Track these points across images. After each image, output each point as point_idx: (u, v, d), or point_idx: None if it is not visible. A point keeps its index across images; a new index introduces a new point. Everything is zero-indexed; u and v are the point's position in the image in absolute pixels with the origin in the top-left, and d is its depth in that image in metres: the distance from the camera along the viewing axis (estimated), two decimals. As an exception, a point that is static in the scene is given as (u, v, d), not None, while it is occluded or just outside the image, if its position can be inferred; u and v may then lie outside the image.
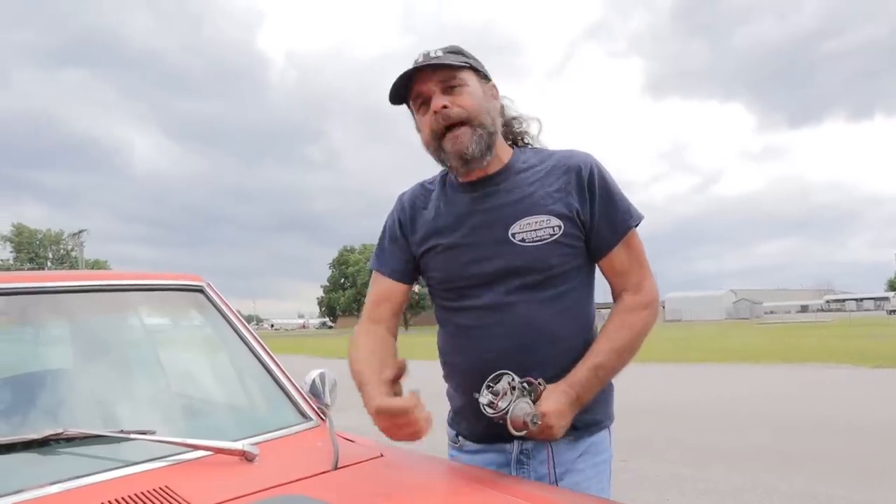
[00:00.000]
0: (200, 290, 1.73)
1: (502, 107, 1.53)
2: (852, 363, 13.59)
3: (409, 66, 1.44)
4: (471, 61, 1.43)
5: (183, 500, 1.03)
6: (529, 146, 1.58)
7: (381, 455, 1.34)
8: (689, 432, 6.82)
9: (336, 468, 1.22)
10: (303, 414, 1.54)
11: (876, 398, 8.79)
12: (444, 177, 1.55)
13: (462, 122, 1.38)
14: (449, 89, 1.38)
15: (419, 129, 1.47)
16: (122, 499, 1.02)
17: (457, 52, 1.44)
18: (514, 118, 1.58)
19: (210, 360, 1.80)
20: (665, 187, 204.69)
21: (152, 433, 1.21)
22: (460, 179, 1.48)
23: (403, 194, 1.62)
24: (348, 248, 78.39)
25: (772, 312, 76.10)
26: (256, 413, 1.62)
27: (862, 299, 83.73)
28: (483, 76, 1.46)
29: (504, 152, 1.49)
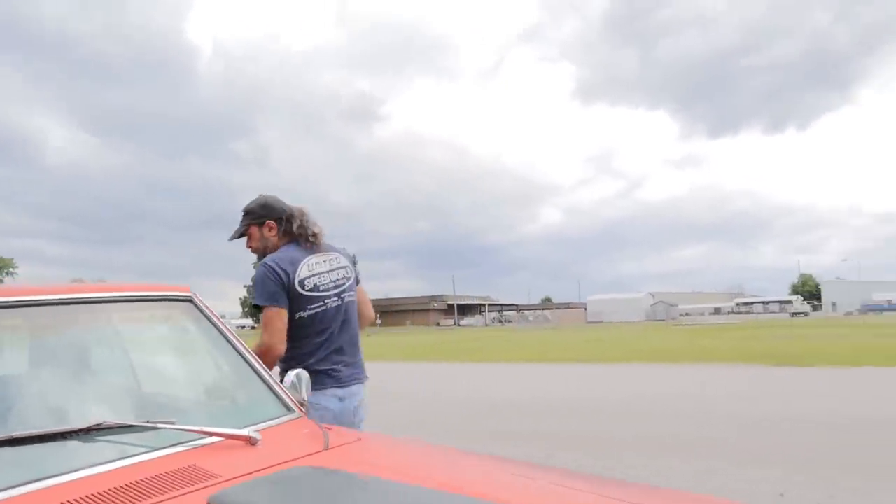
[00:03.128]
0: (190, 300, 1.92)
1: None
2: (758, 363, 14.56)
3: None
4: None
5: (213, 474, 1.25)
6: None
7: (360, 439, 1.61)
8: (597, 425, 7.32)
9: (328, 448, 1.48)
10: (287, 407, 1.78)
11: (772, 394, 9.60)
12: None
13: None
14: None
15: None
16: (162, 475, 1.24)
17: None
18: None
19: (205, 363, 1.99)
20: (592, 191, 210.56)
21: (173, 423, 1.42)
22: None
23: None
24: (274, 248, 76.87)
25: (687, 314, 79.29)
26: (249, 407, 1.83)
27: (768, 302, 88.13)
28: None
29: None
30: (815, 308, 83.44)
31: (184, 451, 1.39)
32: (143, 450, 1.36)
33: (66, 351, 1.76)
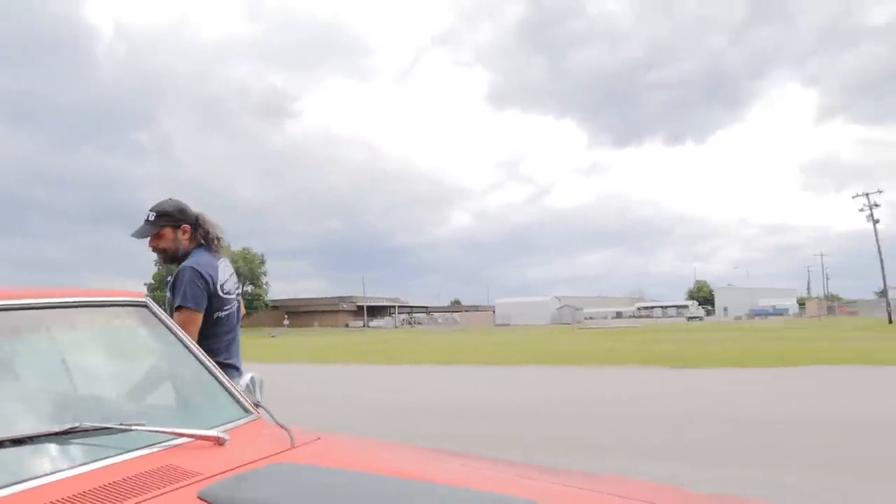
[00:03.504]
0: (145, 306, 1.96)
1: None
2: (658, 365, 15.22)
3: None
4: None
5: (192, 472, 1.32)
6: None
7: (320, 438, 1.69)
8: (506, 428, 7.47)
9: (294, 446, 1.56)
10: (245, 409, 1.84)
11: (671, 393, 10.12)
12: None
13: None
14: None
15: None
16: (144, 474, 1.29)
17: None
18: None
19: (164, 367, 2.04)
20: (502, 196, 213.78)
21: (143, 425, 1.47)
22: None
23: None
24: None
25: (591, 318, 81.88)
26: (209, 409, 1.87)
27: (667, 307, 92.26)
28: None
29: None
30: (708, 312, 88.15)
31: (158, 451, 1.45)
32: (119, 451, 1.41)
33: (24, 357, 1.78)
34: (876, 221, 49.55)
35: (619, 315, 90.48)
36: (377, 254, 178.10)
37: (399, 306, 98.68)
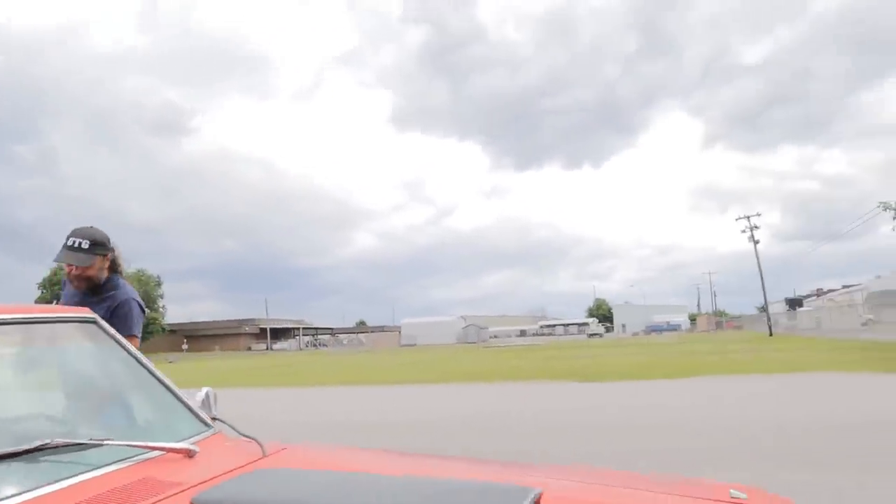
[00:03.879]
0: (94, 322, 1.94)
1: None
2: (562, 380, 15.61)
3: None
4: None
5: (172, 483, 1.33)
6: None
7: (286, 448, 1.71)
8: (413, 446, 7.42)
9: (265, 455, 1.59)
10: (203, 422, 1.85)
11: (577, 409, 10.40)
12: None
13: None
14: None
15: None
16: (126, 486, 1.29)
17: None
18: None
19: (120, 382, 2.00)
20: (404, 217, 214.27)
21: (112, 440, 1.46)
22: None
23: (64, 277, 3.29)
24: (63, 266, 69.66)
25: (496, 337, 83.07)
26: (169, 424, 1.87)
27: (568, 324, 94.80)
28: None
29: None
30: (608, 329, 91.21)
31: (132, 465, 1.44)
32: (92, 466, 1.40)
33: None
34: (756, 242, 53.13)
35: (522, 333, 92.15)
36: (280, 275, 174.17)
37: (303, 328, 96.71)
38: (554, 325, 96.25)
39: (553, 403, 11.18)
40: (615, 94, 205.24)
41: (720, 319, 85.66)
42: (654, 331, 79.01)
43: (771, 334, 47.52)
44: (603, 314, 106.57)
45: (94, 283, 3.13)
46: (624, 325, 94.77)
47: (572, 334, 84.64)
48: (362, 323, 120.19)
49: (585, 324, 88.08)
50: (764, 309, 57.41)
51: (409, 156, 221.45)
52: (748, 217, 54.04)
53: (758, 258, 53.10)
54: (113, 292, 3.16)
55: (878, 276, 57.24)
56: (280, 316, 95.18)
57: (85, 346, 1.95)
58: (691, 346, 33.54)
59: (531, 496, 1.21)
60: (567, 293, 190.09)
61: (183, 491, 1.29)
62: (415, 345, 72.53)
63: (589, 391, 12.94)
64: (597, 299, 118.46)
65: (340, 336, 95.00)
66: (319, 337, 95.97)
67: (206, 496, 1.24)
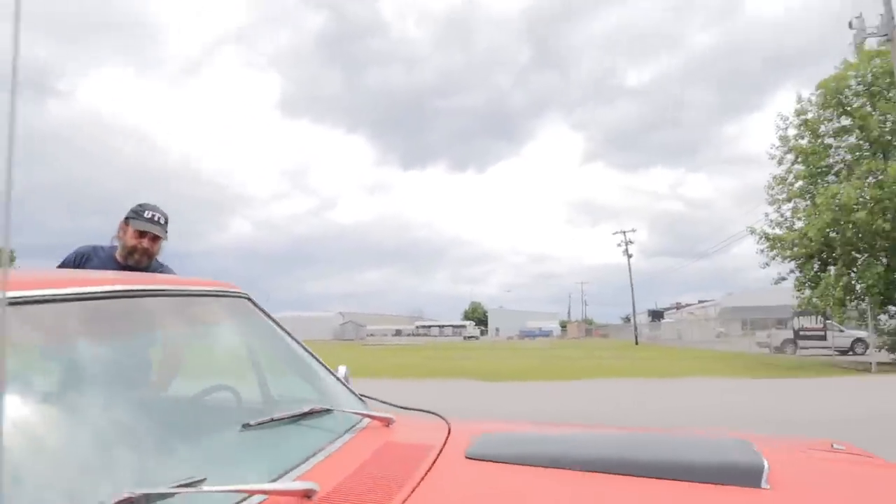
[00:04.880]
0: (248, 298, 1.93)
1: None
2: (460, 378, 15.79)
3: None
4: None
5: (421, 445, 1.55)
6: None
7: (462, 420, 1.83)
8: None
9: (450, 426, 1.71)
10: (357, 397, 1.97)
11: (469, 407, 10.79)
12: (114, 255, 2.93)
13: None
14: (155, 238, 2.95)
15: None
16: (388, 445, 1.54)
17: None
18: None
19: (288, 358, 2.00)
20: (285, 206, 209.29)
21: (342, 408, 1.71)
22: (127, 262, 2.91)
23: (80, 248, 2.96)
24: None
25: (372, 335, 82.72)
26: (336, 398, 1.89)
27: (444, 326, 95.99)
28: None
29: None
30: (483, 332, 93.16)
31: (362, 430, 1.65)
32: (342, 430, 1.60)
33: (173, 344, 1.83)
34: (630, 256, 56.21)
35: (398, 333, 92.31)
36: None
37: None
38: (430, 327, 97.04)
39: (450, 401, 11.22)
40: (505, 102, 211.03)
41: (589, 327, 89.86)
42: (527, 336, 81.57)
43: (637, 343, 50.33)
44: (478, 317, 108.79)
45: (150, 261, 2.98)
46: (498, 329, 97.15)
47: (448, 336, 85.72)
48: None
49: (462, 326, 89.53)
50: (629, 319, 60.80)
51: (295, 144, 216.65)
52: (624, 232, 57.33)
53: (630, 272, 56.25)
54: (152, 269, 3.02)
55: (730, 293, 62.25)
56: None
57: (247, 321, 1.92)
58: (566, 351, 34.93)
59: (754, 446, 1.48)
60: (444, 295, 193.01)
61: (443, 449, 1.51)
62: (290, 340, 70.64)
63: (475, 389, 13.09)
64: (472, 302, 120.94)
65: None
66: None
67: (477, 450, 1.44)
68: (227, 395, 1.78)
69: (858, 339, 24.79)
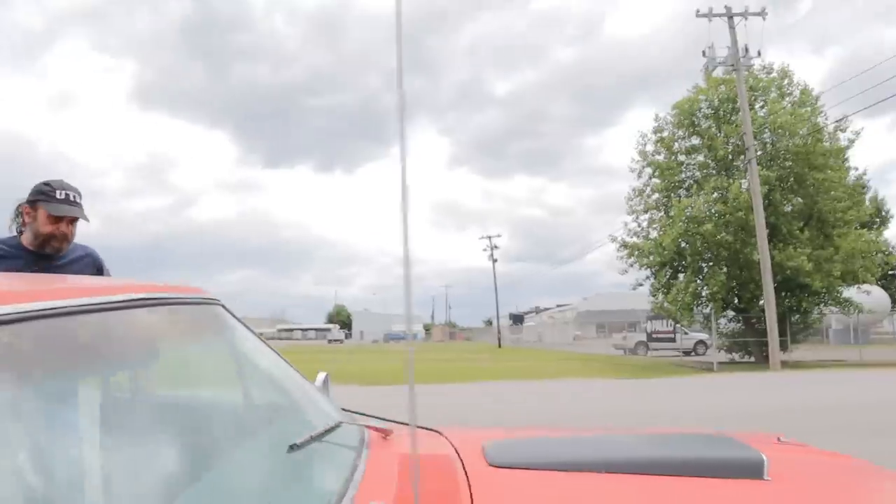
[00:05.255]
0: (220, 304, 1.81)
1: None
2: (341, 382, 15.55)
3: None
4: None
5: (440, 455, 1.63)
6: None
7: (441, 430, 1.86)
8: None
9: (441, 434, 1.74)
10: (335, 407, 1.90)
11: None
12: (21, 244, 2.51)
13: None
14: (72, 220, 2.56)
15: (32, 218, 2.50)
16: (427, 458, 1.37)
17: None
18: None
19: (268, 368, 1.90)
20: (139, 202, 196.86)
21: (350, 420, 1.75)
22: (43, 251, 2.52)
23: None
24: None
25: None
26: (316, 408, 1.84)
27: (307, 329, 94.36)
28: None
29: None
30: (347, 336, 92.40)
31: (375, 442, 1.66)
32: (359, 444, 1.61)
33: (170, 354, 1.71)
34: (495, 261, 57.99)
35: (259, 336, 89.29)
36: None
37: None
38: (293, 330, 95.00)
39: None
40: (375, 102, 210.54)
41: (453, 331, 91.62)
42: (392, 339, 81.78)
43: (500, 346, 51.97)
44: (342, 320, 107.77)
45: (68, 246, 2.63)
46: (362, 333, 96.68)
47: (311, 339, 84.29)
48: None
49: (326, 329, 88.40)
50: (491, 322, 62.75)
51: (150, 136, 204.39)
52: (490, 237, 59.17)
53: (495, 275, 58.07)
54: (72, 255, 2.69)
55: (585, 298, 65.88)
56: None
57: (224, 329, 1.79)
58: (435, 354, 35.36)
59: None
60: (308, 297, 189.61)
61: (463, 459, 1.52)
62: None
63: (371, 395, 13.02)
64: (337, 305, 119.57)
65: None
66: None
67: (494, 455, 1.46)
68: (227, 407, 1.72)
69: (700, 341, 27.20)
